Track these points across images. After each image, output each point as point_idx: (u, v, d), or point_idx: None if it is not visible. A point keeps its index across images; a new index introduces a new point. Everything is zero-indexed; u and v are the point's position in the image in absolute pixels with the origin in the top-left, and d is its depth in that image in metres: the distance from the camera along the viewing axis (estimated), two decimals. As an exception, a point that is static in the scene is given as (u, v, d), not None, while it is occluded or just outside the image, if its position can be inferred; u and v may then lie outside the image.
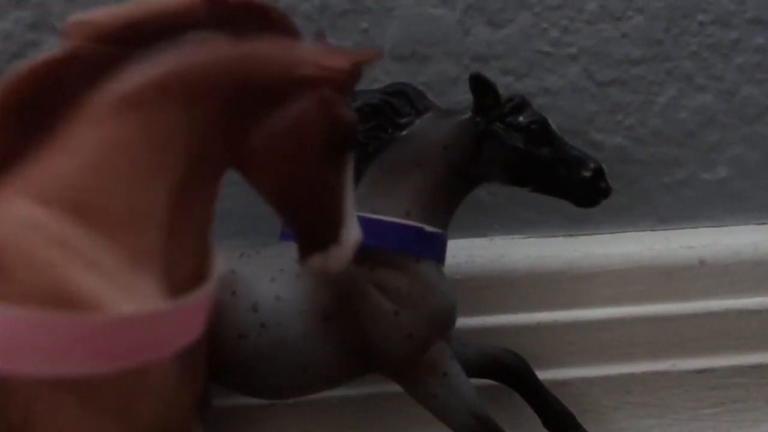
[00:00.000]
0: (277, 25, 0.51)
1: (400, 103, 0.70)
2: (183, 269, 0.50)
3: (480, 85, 0.69)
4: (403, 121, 0.70)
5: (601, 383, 0.84)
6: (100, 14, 0.47)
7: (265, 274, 0.68)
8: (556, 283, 0.82)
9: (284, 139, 0.50)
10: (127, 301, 0.46)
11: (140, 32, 0.47)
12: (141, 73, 0.47)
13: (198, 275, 0.51)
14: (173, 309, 0.48)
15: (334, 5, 0.77)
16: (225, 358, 0.67)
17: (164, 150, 0.47)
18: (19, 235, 0.45)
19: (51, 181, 0.46)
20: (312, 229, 0.54)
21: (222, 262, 0.68)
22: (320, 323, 0.67)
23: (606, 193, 0.71)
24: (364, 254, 0.67)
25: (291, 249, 0.68)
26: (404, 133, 0.70)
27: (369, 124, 0.69)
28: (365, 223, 0.68)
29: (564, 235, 0.85)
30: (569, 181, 0.70)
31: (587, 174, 0.70)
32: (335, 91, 0.51)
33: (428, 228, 0.69)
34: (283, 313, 0.67)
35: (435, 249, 0.70)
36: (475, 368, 0.74)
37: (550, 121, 0.70)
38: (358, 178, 0.69)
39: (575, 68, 0.81)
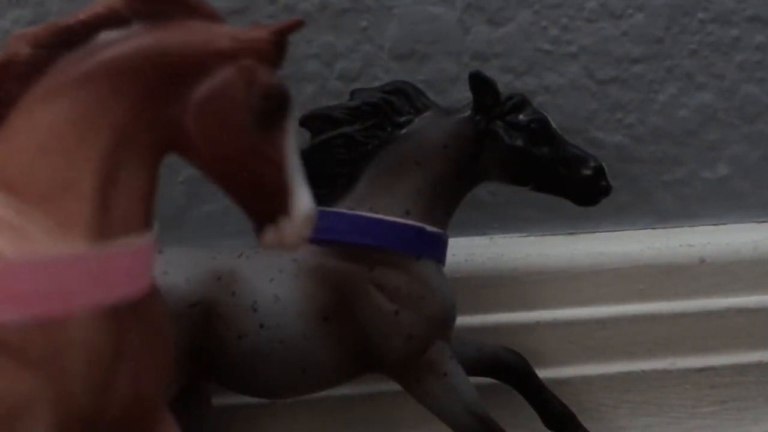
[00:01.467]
0: (198, 12, 0.53)
1: (400, 102, 0.70)
2: (115, 237, 0.51)
3: (480, 84, 0.69)
4: (403, 119, 0.70)
5: (600, 382, 0.84)
6: (39, 26, 0.52)
7: (264, 274, 0.68)
8: (555, 282, 0.82)
9: (209, 113, 0.52)
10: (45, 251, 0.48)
11: (69, 35, 0.51)
12: (68, 67, 0.51)
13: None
14: (91, 254, 0.49)
15: (333, 4, 0.77)
16: (224, 358, 0.67)
17: (90, 128, 0.50)
18: None
19: None
20: (255, 203, 0.54)
21: (226, 260, 0.68)
22: (320, 323, 0.67)
23: (606, 191, 0.70)
24: (363, 254, 0.67)
25: None
26: (404, 131, 0.69)
27: (368, 122, 0.69)
28: (365, 222, 0.68)
29: (564, 234, 0.85)
30: (569, 180, 0.70)
31: (587, 172, 0.70)
32: (258, 61, 0.52)
33: (429, 228, 0.69)
34: (283, 313, 0.67)
35: (435, 249, 0.69)
36: (475, 367, 0.74)
37: (550, 120, 0.70)
38: (357, 177, 0.69)
39: (575, 66, 0.81)
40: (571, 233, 0.85)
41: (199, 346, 0.66)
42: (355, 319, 0.67)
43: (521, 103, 0.70)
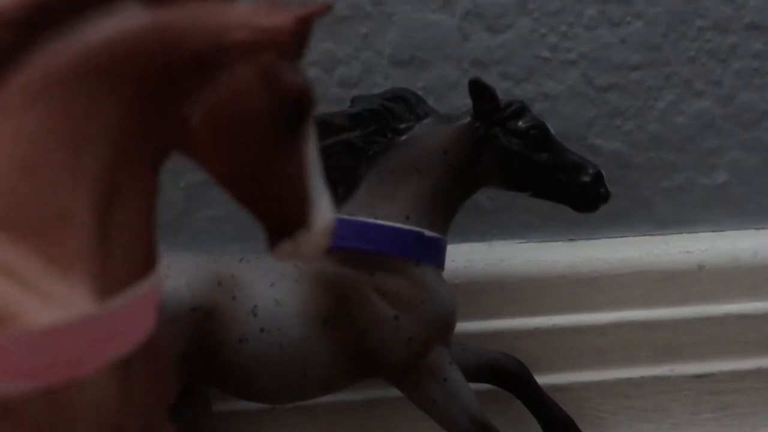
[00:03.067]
0: None
1: (400, 109, 0.70)
2: (120, 269, 0.44)
3: (479, 90, 0.69)
4: (403, 126, 0.70)
5: (600, 388, 0.83)
6: None
7: (265, 278, 0.68)
8: (555, 288, 0.82)
9: (223, 117, 0.44)
10: (49, 309, 0.41)
11: (43, 11, 0.42)
12: (49, 57, 0.42)
13: (140, 274, 0.46)
14: (102, 314, 0.42)
15: (333, 10, 0.77)
16: (224, 363, 0.67)
17: (82, 139, 0.42)
18: None
19: None
20: (273, 215, 0.47)
21: (227, 264, 0.67)
22: (320, 328, 0.67)
23: (605, 198, 0.71)
24: (363, 259, 0.67)
25: None
26: (404, 138, 0.70)
27: (368, 129, 0.70)
28: (365, 228, 0.68)
29: (563, 240, 0.85)
30: (568, 186, 0.70)
31: (586, 179, 0.70)
32: (278, 56, 0.45)
33: (428, 233, 0.69)
34: (283, 317, 0.67)
35: (434, 254, 0.70)
36: (475, 373, 0.74)
37: (549, 126, 0.70)
38: (358, 184, 0.69)
39: (574, 73, 0.81)
40: (570, 239, 0.85)
41: (199, 351, 0.66)
42: (355, 323, 0.67)
43: (520, 109, 0.70)
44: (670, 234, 0.85)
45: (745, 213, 0.86)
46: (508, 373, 0.74)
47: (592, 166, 0.70)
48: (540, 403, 0.74)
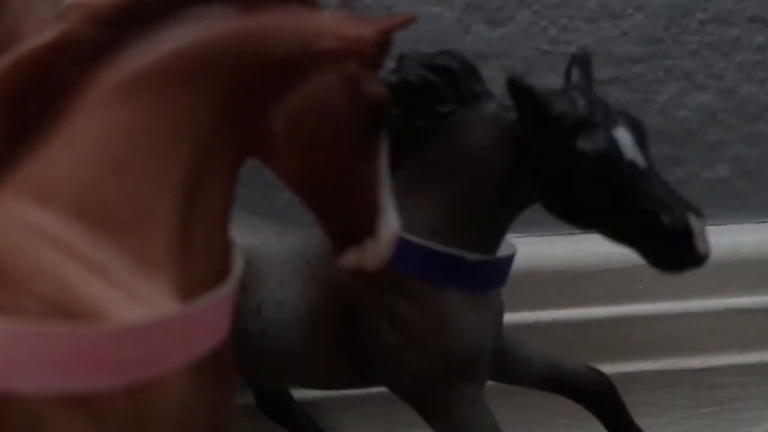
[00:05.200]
0: None
1: (444, 85, 0.56)
2: (199, 269, 0.45)
3: (518, 93, 0.54)
4: (444, 110, 0.56)
5: (599, 382, 0.84)
6: None
7: (276, 273, 0.61)
8: (556, 282, 0.82)
9: (306, 120, 0.45)
10: (136, 308, 0.42)
11: (139, 10, 0.43)
12: (141, 56, 0.43)
13: (216, 274, 0.47)
14: (186, 314, 0.43)
15: (333, 3, 0.77)
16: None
17: (171, 139, 0.43)
18: (20, 239, 0.41)
19: (49, 177, 0.42)
20: (343, 222, 0.48)
21: (254, 242, 0.62)
22: (322, 338, 0.61)
23: (697, 259, 0.52)
24: (378, 273, 0.52)
25: (308, 246, 0.62)
26: (442, 125, 0.56)
27: (398, 109, 0.55)
28: None
29: (564, 234, 0.84)
30: (641, 235, 0.53)
31: (667, 228, 0.51)
32: (361, 65, 0.46)
33: (457, 253, 0.57)
34: (285, 322, 0.61)
35: (468, 278, 0.58)
36: (545, 384, 0.65)
37: (628, 150, 0.51)
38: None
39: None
40: (571, 233, 0.84)
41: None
42: (360, 349, 0.60)
43: (583, 121, 0.52)
44: (671, 228, 0.85)
45: (747, 207, 0.86)
46: (587, 389, 0.64)
47: (680, 211, 0.50)
48: (624, 426, 0.65)
